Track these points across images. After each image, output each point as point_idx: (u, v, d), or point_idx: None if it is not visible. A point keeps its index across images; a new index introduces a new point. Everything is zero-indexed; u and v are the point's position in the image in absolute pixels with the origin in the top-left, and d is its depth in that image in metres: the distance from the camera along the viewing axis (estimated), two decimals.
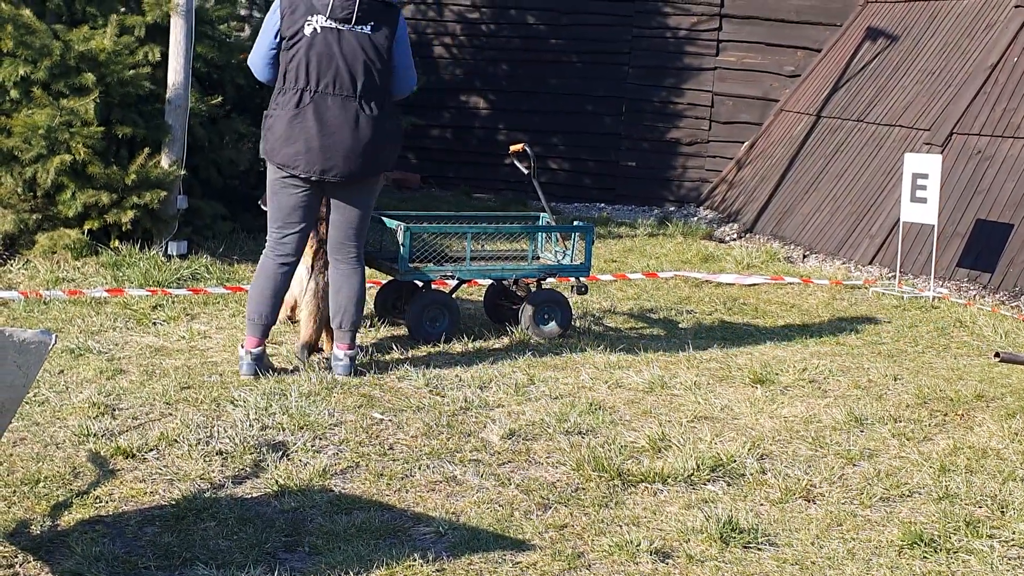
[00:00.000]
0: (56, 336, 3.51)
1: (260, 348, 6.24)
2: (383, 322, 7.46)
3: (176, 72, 9.01)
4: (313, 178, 6.07)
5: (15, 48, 8.69)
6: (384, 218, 7.21)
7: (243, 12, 11.64)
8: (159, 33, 9.18)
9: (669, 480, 4.95)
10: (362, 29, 6.02)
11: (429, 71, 14.09)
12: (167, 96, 9.07)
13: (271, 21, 6.12)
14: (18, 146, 8.66)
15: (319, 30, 6.00)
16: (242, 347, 6.26)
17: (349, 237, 6.26)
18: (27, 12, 8.82)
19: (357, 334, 6.37)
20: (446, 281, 7.59)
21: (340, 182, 6.11)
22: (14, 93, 8.83)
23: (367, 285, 6.51)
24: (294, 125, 6.03)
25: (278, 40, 6.09)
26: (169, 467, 4.89)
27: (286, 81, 6.07)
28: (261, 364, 6.22)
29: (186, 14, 8.95)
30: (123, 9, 9.28)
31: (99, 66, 8.85)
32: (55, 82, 8.81)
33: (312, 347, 6.64)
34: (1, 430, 3.53)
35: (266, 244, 6.28)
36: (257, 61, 6.21)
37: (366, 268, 6.42)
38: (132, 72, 8.96)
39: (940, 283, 9.45)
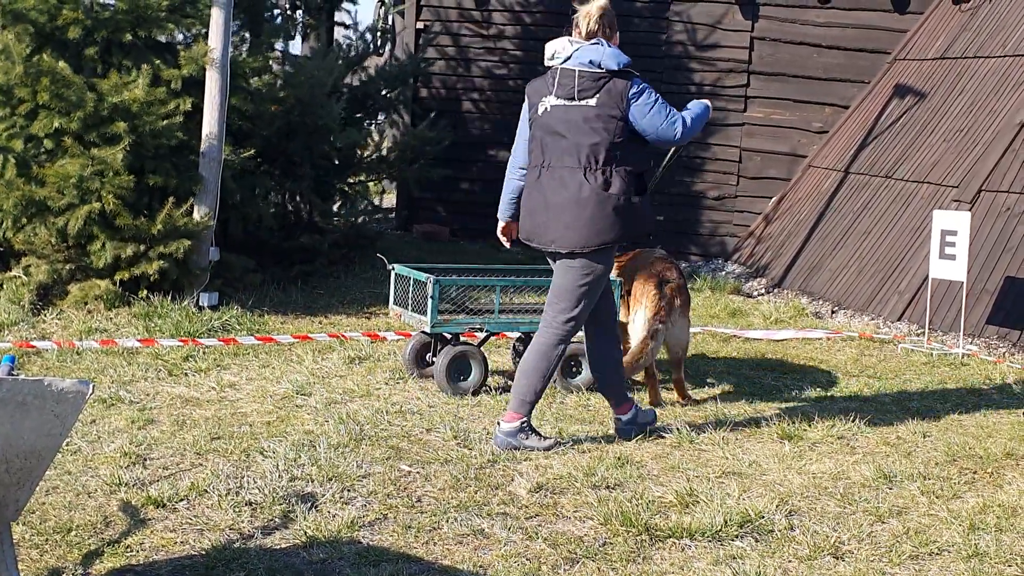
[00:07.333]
0: (94, 386, 3.56)
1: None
2: (412, 374, 7.50)
3: (211, 124, 9.12)
4: (546, 249, 6.15)
5: (50, 100, 8.81)
6: (412, 271, 7.27)
7: (276, 66, 11.76)
8: (193, 85, 9.29)
9: (697, 536, 4.95)
10: (586, 103, 6.05)
11: (458, 126, 14.21)
12: (201, 148, 9.17)
13: (523, 109, 6.39)
14: (50, 196, 8.76)
15: (549, 108, 6.16)
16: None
17: (549, 304, 6.21)
18: (63, 64, 8.95)
19: (523, 406, 6.10)
20: (475, 334, 7.62)
21: (561, 253, 6.10)
22: (48, 144, 8.95)
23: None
24: (531, 199, 6.21)
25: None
26: (199, 517, 4.92)
27: (531, 160, 6.29)
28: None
29: (221, 68, 9.08)
30: (158, 62, 9.41)
31: (132, 116, 8.94)
32: (88, 132, 8.91)
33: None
34: (38, 478, 3.57)
35: None
36: (518, 150, 6.42)
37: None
38: (165, 123, 9.05)
39: (969, 340, 9.42)
